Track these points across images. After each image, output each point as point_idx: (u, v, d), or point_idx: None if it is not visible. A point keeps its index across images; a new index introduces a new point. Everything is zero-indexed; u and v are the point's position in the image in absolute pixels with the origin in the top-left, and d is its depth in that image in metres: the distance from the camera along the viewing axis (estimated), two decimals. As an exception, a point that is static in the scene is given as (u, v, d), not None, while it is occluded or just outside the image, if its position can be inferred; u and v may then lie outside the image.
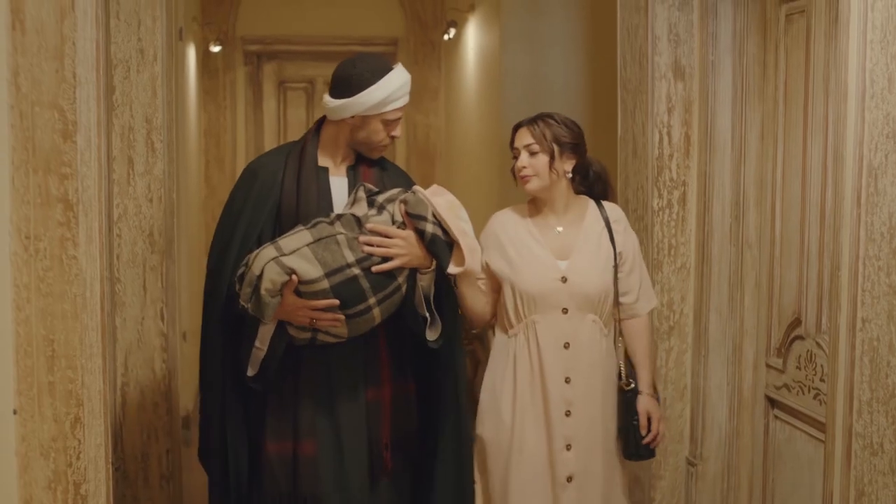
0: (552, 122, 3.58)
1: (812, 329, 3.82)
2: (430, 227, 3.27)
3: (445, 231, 3.29)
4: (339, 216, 3.27)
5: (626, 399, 3.63)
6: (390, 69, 3.41)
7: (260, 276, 3.14)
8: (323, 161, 3.46)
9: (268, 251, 3.18)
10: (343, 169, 3.49)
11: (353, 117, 3.39)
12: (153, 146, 4.36)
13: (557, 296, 3.53)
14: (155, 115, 4.35)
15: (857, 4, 3.08)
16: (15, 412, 2.80)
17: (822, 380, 3.74)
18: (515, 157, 3.60)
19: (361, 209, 3.29)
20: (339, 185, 3.45)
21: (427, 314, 3.34)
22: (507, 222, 3.66)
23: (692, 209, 4.40)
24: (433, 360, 3.47)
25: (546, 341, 3.52)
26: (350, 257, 3.19)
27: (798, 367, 3.94)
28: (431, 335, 3.36)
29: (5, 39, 2.71)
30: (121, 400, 4.40)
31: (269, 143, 9.90)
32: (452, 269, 3.31)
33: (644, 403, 3.61)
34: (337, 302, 3.18)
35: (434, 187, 3.37)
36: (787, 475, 4.05)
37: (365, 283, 3.19)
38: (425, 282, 3.32)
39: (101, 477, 2.94)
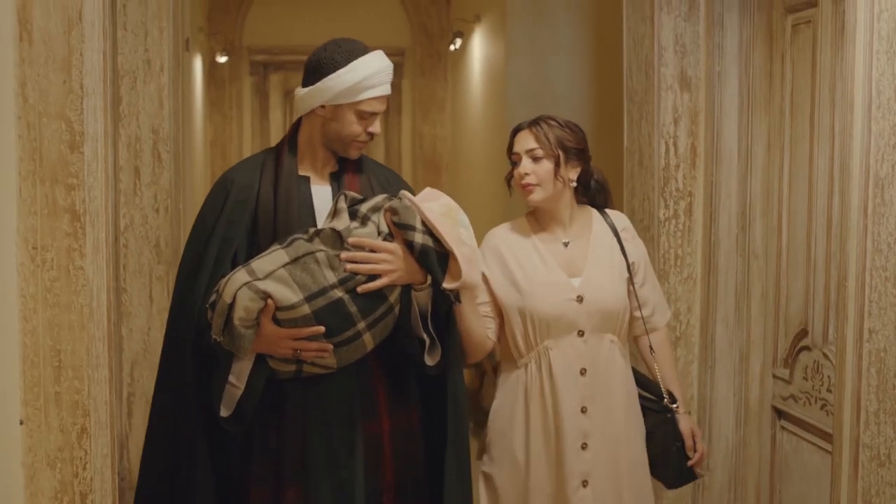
0: (555, 124, 3.26)
1: (819, 340, 3.81)
2: (419, 238, 2.91)
3: (439, 240, 2.92)
4: (318, 231, 2.90)
5: (664, 422, 3.35)
6: (364, 52, 3.02)
7: (232, 305, 2.79)
8: (304, 169, 3.08)
9: (239, 276, 2.82)
10: (326, 176, 3.10)
11: (323, 108, 3.01)
12: (160, 157, 4.35)
13: (573, 317, 3.20)
14: (161, 125, 4.35)
15: (864, 15, 3.08)
16: (21, 422, 2.81)
17: (829, 390, 3.73)
18: (514, 164, 3.27)
19: (343, 222, 2.92)
20: (322, 195, 3.07)
21: (425, 336, 2.99)
22: (509, 239, 3.31)
23: (698, 219, 4.39)
24: (433, 388, 3.10)
25: (560, 368, 3.19)
26: (331, 278, 2.84)
27: (805, 378, 3.93)
28: (430, 360, 3.01)
29: (13, 51, 2.72)
30: (127, 410, 4.39)
31: (276, 154, 9.91)
32: (448, 283, 2.93)
33: (686, 423, 3.36)
34: (321, 329, 2.83)
35: (427, 191, 3.04)
36: (795, 486, 4.04)
37: (351, 307, 2.85)
38: (421, 300, 2.98)
39: (107, 487, 2.94)
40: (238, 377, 2.89)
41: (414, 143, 10.35)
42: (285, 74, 11.37)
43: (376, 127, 3.06)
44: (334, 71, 2.98)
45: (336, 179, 3.09)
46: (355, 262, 2.85)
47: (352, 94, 2.98)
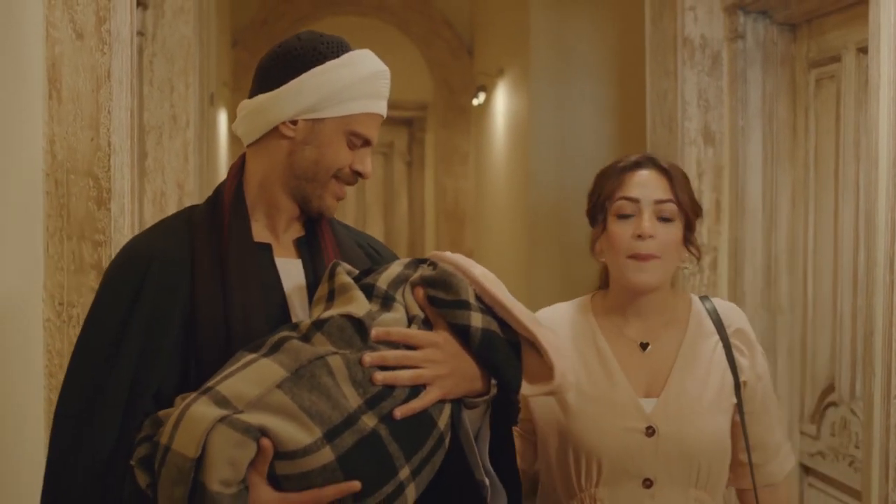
0: (679, 174, 2.22)
1: (846, 395, 3.78)
2: (477, 319, 1.83)
3: (503, 322, 1.86)
4: (321, 323, 1.78)
5: None
6: (353, 49, 2.02)
7: (200, 459, 1.65)
8: (260, 233, 1.98)
9: (200, 409, 1.68)
10: (289, 244, 2.01)
11: (294, 123, 1.93)
12: (185, 212, 4.37)
13: (638, 458, 2.15)
14: (186, 180, 4.38)
15: (887, 70, 3.08)
16: (46, 479, 2.81)
17: (856, 447, 3.70)
18: (623, 219, 2.19)
19: (360, 305, 1.81)
20: (290, 272, 1.98)
21: (484, 478, 1.91)
22: (565, 331, 2.23)
23: (723, 274, 4.38)
24: None
25: None
26: (355, 397, 1.73)
27: (832, 434, 3.90)
28: None
29: (42, 108, 2.75)
30: (150, 465, 4.38)
31: (299, 207, 10.01)
32: (529, 388, 1.85)
33: None
34: (357, 485, 1.69)
35: (445, 255, 1.94)
36: (823, 544, 4.00)
37: (390, 444, 1.73)
38: (473, 421, 1.90)
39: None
40: None
41: (437, 196, 10.37)
42: (309, 128, 11.42)
43: (367, 165, 1.99)
44: (319, 63, 1.94)
45: (306, 248, 2.02)
46: (388, 368, 1.78)
47: (345, 100, 1.94)
